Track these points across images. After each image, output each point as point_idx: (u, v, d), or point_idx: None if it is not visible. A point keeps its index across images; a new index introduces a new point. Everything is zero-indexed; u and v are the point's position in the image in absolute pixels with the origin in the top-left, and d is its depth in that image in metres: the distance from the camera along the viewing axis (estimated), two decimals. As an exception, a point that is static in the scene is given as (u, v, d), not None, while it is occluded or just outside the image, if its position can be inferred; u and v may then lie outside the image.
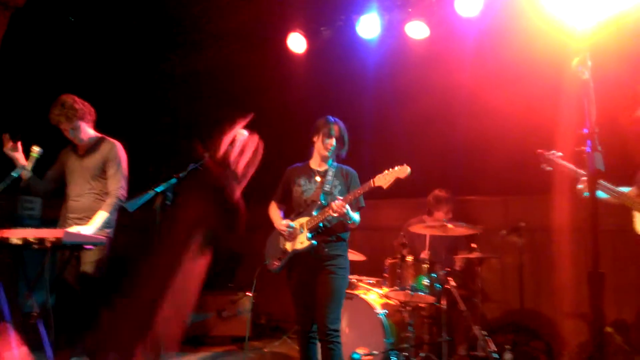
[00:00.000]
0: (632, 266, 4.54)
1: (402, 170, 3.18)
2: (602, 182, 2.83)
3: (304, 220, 3.34)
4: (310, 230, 3.29)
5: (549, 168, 3.19)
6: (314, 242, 3.26)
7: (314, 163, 3.51)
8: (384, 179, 3.20)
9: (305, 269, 3.32)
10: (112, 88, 5.67)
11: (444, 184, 4.89)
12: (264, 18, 5.21)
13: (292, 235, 3.35)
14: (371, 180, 3.23)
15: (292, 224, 3.35)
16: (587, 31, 2.47)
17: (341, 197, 3.24)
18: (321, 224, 3.28)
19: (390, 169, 3.21)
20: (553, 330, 4.93)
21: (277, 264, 3.40)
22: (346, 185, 3.44)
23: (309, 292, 3.29)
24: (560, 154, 3.17)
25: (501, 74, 4.71)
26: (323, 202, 3.34)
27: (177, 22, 5.54)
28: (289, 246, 3.37)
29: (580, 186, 3.00)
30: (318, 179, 3.43)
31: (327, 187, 3.37)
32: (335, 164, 3.50)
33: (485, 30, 4.75)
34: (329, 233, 3.33)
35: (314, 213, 3.31)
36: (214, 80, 5.95)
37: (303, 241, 3.30)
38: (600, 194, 2.91)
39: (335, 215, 3.18)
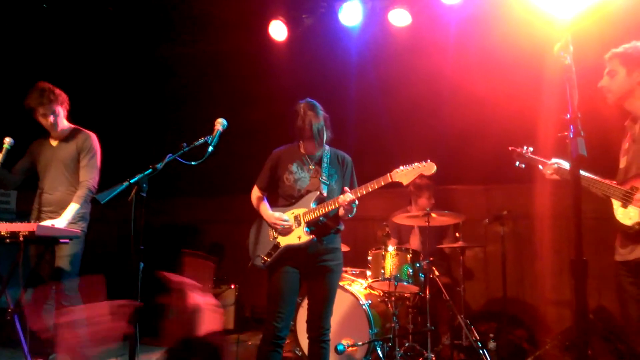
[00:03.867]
0: (611, 253, 4.58)
1: (428, 168, 2.90)
2: (582, 172, 2.78)
3: (299, 212, 3.06)
4: (309, 224, 3.03)
5: (522, 165, 3.09)
6: (314, 237, 3.01)
7: (304, 147, 3.17)
8: (405, 176, 2.91)
9: (297, 263, 3.06)
10: (90, 79, 5.54)
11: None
12: (245, 5, 5.11)
13: (286, 229, 3.07)
14: (388, 174, 2.93)
15: (286, 217, 3.07)
16: (568, 20, 2.45)
17: (349, 190, 2.96)
18: (322, 218, 3.03)
19: (413, 165, 2.92)
20: (536, 318, 4.97)
21: (266, 259, 3.08)
22: (342, 173, 3.17)
23: (296, 289, 3.06)
24: (531, 149, 3.08)
25: (484, 62, 4.70)
26: (325, 193, 3.07)
27: (159, 10, 5.42)
28: (282, 240, 3.07)
29: (548, 171, 2.91)
30: (312, 166, 3.13)
31: (324, 177, 3.09)
32: (328, 148, 3.19)
33: (468, 18, 4.73)
34: (327, 225, 3.08)
35: (312, 205, 3.04)
36: (194, 68, 5.85)
37: (301, 235, 3.03)
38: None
39: (341, 208, 2.94)
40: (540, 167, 2.99)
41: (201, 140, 2.69)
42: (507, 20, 4.23)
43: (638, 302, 2.58)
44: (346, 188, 3.01)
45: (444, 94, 4.99)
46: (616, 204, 2.57)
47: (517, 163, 3.11)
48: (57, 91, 3.59)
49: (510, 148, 3.15)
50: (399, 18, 4.85)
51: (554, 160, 2.90)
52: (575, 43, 2.13)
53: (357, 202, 2.97)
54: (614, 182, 2.60)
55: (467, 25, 4.78)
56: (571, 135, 1.90)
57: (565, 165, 2.83)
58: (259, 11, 5.17)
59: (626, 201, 2.52)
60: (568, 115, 1.93)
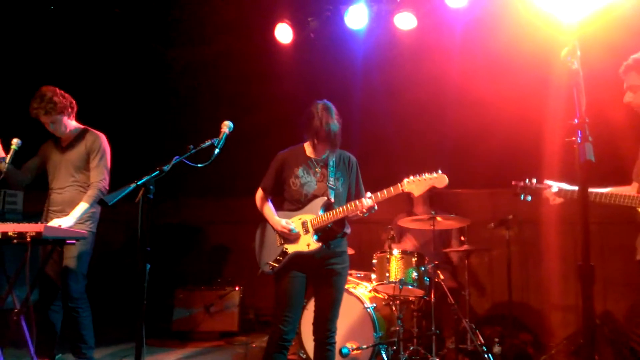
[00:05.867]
0: (616, 258, 4.58)
1: (440, 180, 2.88)
2: (599, 190, 2.79)
3: (307, 218, 3.03)
4: (317, 231, 3.01)
5: (528, 198, 3.03)
6: (323, 245, 2.98)
7: (312, 149, 3.12)
8: (416, 186, 2.89)
9: (304, 268, 3.04)
10: (97, 81, 5.57)
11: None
12: (251, 8, 5.13)
13: (293, 236, 3.03)
14: (399, 184, 2.93)
15: (293, 225, 3.03)
16: (575, 23, 2.45)
17: (370, 195, 2.94)
18: (330, 225, 3.01)
19: (425, 175, 2.90)
20: (541, 322, 4.95)
21: (275, 265, 3.04)
22: (348, 175, 3.14)
23: (302, 293, 3.04)
24: (534, 180, 3.04)
25: (489, 66, 4.70)
26: (332, 199, 3.03)
27: (166, 13, 5.44)
28: (290, 247, 3.03)
29: (551, 197, 2.93)
30: (318, 170, 3.08)
31: (331, 182, 3.05)
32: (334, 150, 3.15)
33: (474, 22, 4.73)
34: (334, 230, 3.05)
35: (320, 211, 3.01)
36: (200, 70, 5.86)
37: (310, 243, 2.99)
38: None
39: (360, 212, 2.93)
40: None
41: (208, 143, 2.69)
42: (513, 23, 4.22)
43: None
44: (364, 198, 2.99)
45: (449, 97, 4.99)
46: None
47: (523, 196, 3.04)
48: (57, 98, 3.48)
49: (513, 182, 3.11)
50: (405, 21, 4.85)
51: (549, 182, 2.94)
52: (583, 47, 2.13)
53: (376, 207, 2.97)
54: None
55: (472, 29, 4.78)
56: (579, 141, 1.88)
57: (565, 186, 2.88)
58: (265, 14, 5.18)
59: None
60: (576, 120, 1.91)
